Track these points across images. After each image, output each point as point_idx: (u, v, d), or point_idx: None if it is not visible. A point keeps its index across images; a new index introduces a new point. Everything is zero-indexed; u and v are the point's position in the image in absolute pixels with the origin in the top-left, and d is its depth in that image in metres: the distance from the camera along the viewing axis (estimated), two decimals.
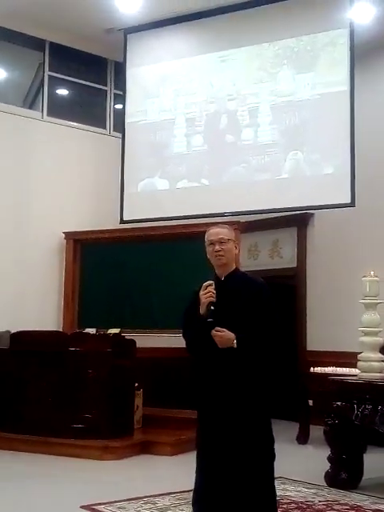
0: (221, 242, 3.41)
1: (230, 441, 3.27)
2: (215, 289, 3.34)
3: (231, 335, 3.27)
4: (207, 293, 3.32)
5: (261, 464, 3.28)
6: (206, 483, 3.33)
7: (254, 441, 3.27)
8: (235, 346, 3.27)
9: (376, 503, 4.79)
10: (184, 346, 3.55)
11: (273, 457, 3.36)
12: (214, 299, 3.30)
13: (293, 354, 8.87)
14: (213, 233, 3.45)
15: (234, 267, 3.49)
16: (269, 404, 3.36)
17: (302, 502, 4.76)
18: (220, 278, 3.45)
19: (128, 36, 8.47)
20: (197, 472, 3.39)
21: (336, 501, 4.82)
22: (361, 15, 7.45)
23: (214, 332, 3.27)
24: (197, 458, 3.40)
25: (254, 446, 3.26)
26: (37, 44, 8.52)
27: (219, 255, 3.40)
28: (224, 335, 3.27)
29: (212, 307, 3.29)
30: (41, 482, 5.42)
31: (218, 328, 3.27)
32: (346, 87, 7.28)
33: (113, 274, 8.01)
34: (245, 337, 3.28)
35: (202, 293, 3.35)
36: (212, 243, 3.42)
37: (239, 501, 3.24)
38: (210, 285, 3.34)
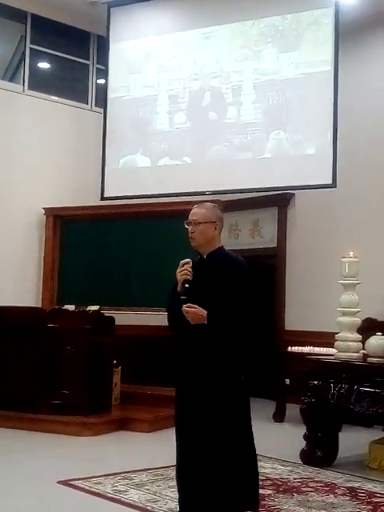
0: (194, 223, 3.42)
1: (203, 417, 3.31)
2: (195, 267, 3.37)
3: (203, 312, 3.28)
4: (183, 270, 3.35)
5: (235, 441, 3.31)
6: (185, 460, 3.37)
7: (226, 418, 3.29)
8: (206, 322, 3.28)
9: (350, 481, 4.86)
10: (162, 323, 3.56)
11: (250, 433, 3.39)
12: (188, 277, 3.34)
13: (270, 333, 8.93)
14: (190, 213, 3.48)
15: (217, 246, 3.48)
16: (243, 382, 3.37)
17: (277, 479, 4.81)
18: (203, 257, 3.47)
19: (111, 10, 8.36)
20: (177, 449, 3.43)
21: (311, 478, 4.89)
22: None
23: (184, 308, 3.29)
24: (175, 434, 3.44)
25: (225, 424, 3.29)
26: (18, 16, 8.39)
27: (190, 237, 3.43)
28: (195, 311, 3.28)
29: (186, 285, 3.33)
30: (18, 457, 5.42)
31: (190, 304, 3.28)
32: (330, 67, 7.26)
33: (93, 251, 7.98)
34: (216, 314, 3.28)
35: (178, 270, 3.38)
36: (188, 224, 3.45)
37: (216, 476, 3.27)
38: (186, 263, 3.38)
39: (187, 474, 3.36)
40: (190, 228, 3.42)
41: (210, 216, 3.44)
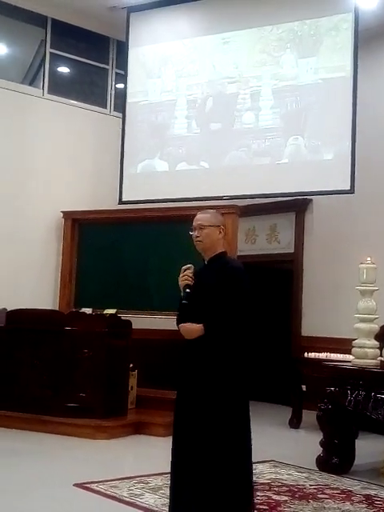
0: (200, 227, 3.50)
1: (199, 423, 3.32)
2: (199, 272, 3.46)
3: (195, 328, 3.35)
4: (183, 276, 3.45)
5: (231, 447, 3.29)
6: (175, 467, 3.40)
7: (222, 424, 3.29)
8: (203, 333, 3.34)
9: (366, 488, 4.83)
10: None
11: (247, 439, 3.38)
12: (189, 282, 3.43)
13: (287, 339, 8.91)
14: (195, 219, 3.57)
15: (219, 251, 3.53)
16: (238, 387, 3.36)
17: (293, 486, 4.80)
18: (205, 262, 3.55)
19: (131, 15, 8.40)
20: (171, 454, 3.46)
21: (327, 485, 4.87)
22: (365, 0, 7.39)
23: (180, 326, 3.41)
24: (172, 440, 3.48)
25: (221, 431, 3.28)
26: (39, 20, 8.45)
27: (197, 241, 3.51)
28: (189, 328, 3.37)
29: (187, 290, 3.43)
30: (34, 459, 5.45)
31: (182, 324, 3.39)
32: (349, 73, 7.24)
33: (110, 255, 8.00)
34: (212, 326, 3.33)
35: (180, 276, 3.47)
36: (194, 229, 3.53)
37: (209, 483, 3.26)
38: (187, 268, 3.48)
39: (180, 479, 3.37)
40: (195, 233, 3.51)
41: (215, 221, 3.54)
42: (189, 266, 3.49)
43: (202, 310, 3.38)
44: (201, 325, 3.34)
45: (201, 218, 3.54)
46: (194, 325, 3.36)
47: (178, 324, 3.53)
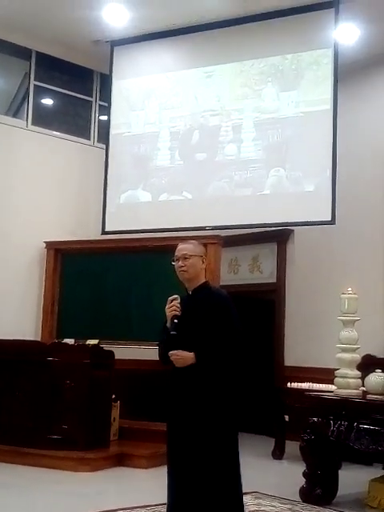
0: (184, 257, 3.54)
1: (191, 453, 3.33)
2: (183, 303, 3.47)
3: (187, 355, 3.37)
4: (171, 307, 3.46)
5: (225, 477, 3.32)
6: (172, 496, 3.41)
7: (216, 454, 3.31)
8: (195, 361, 3.36)
9: None
10: None
11: (238, 468, 3.39)
12: (177, 313, 3.44)
13: (270, 369, 8.91)
14: (178, 249, 3.61)
15: (202, 281, 3.60)
16: (231, 416, 3.40)
17: None
18: (188, 292, 3.57)
19: (115, 48, 8.51)
20: (168, 485, 3.44)
21: None
22: (345, 36, 7.57)
23: (171, 353, 3.40)
24: (167, 470, 3.46)
25: (215, 460, 3.30)
26: (23, 53, 8.52)
27: (182, 270, 3.54)
28: (178, 357, 3.38)
29: (175, 320, 3.43)
30: (15, 492, 5.38)
31: (173, 352, 3.38)
32: (329, 106, 7.37)
33: (93, 285, 8.00)
34: (204, 354, 3.36)
35: (167, 307, 3.48)
36: (177, 259, 3.56)
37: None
38: (174, 299, 3.50)
39: (175, 509, 3.37)
40: (179, 263, 3.55)
41: (198, 250, 3.61)
42: (176, 296, 3.51)
43: (190, 340, 3.39)
44: (192, 353, 3.35)
45: (185, 248, 3.58)
46: (188, 353, 3.37)
47: (161, 354, 3.53)
